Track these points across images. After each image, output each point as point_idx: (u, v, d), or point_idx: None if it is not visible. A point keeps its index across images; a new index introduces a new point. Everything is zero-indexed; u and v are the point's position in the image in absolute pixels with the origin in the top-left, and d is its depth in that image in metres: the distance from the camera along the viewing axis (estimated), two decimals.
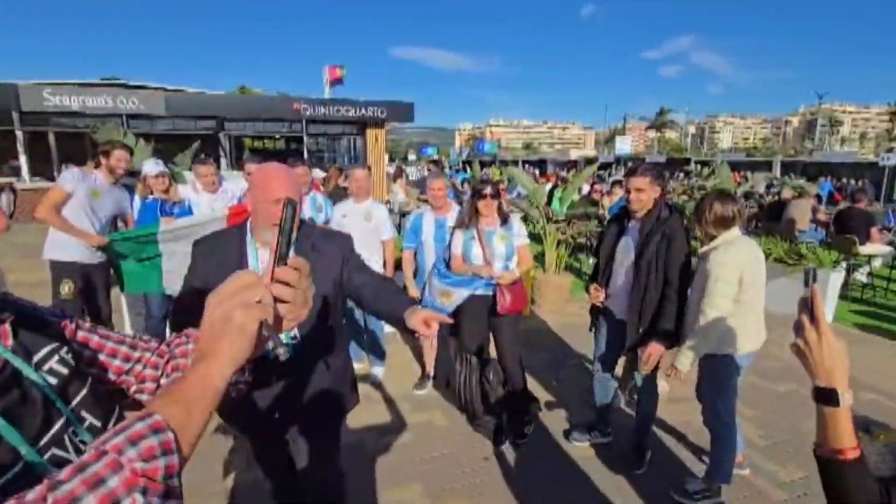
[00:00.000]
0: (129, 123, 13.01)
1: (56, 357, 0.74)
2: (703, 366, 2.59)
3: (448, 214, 3.48)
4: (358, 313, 3.87)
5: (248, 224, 1.69)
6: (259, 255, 1.64)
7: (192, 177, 4.14)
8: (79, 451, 0.69)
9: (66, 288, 3.33)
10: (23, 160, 12.58)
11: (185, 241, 3.74)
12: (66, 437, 0.68)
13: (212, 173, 3.95)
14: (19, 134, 12.37)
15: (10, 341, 0.69)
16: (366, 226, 3.60)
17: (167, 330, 4.08)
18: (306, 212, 3.85)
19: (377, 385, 3.89)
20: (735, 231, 2.51)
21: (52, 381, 0.71)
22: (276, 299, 0.68)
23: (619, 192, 7.76)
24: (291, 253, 0.73)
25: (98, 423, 0.74)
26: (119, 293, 4.21)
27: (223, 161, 13.72)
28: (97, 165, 3.47)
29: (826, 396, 0.92)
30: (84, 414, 0.73)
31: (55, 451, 0.66)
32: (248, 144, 20.41)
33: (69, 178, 3.31)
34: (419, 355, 4.12)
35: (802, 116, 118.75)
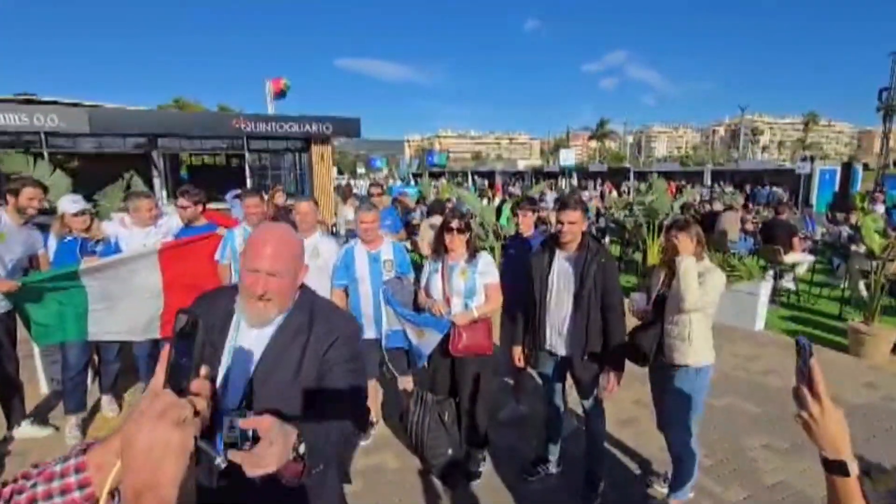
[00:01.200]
0: (48, 142, 12.04)
1: None
2: (681, 380, 2.64)
3: (381, 248, 3.34)
4: None
5: None
6: (241, 329, 1.37)
7: (119, 214, 3.81)
8: None
9: None
10: None
11: (113, 278, 3.42)
12: None
13: (150, 207, 3.66)
14: None
15: None
16: (313, 264, 3.41)
17: (87, 381, 3.74)
18: None
19: None
20: None
21: None
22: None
23: None
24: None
25: None
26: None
27: (157, 182, 12.94)
28: (4, 203, 3.13)
29: (837, 468, 0.94)
30: None
31: None
32: (187, 161, 19.46)
33: None
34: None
35: (727, 126, 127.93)
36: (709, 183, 26.76)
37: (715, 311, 2.67)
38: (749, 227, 8.44)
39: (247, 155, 14.15)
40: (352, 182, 30.98)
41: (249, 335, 1.37)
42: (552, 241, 2.86)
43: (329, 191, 14.38)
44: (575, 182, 28.42)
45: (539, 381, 3.14)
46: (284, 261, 1.33)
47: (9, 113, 11.16)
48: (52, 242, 3.45)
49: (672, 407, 2.71)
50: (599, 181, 28.02)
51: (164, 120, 13.90)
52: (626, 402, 4.00)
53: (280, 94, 18.31)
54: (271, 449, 0.98)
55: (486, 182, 32.19)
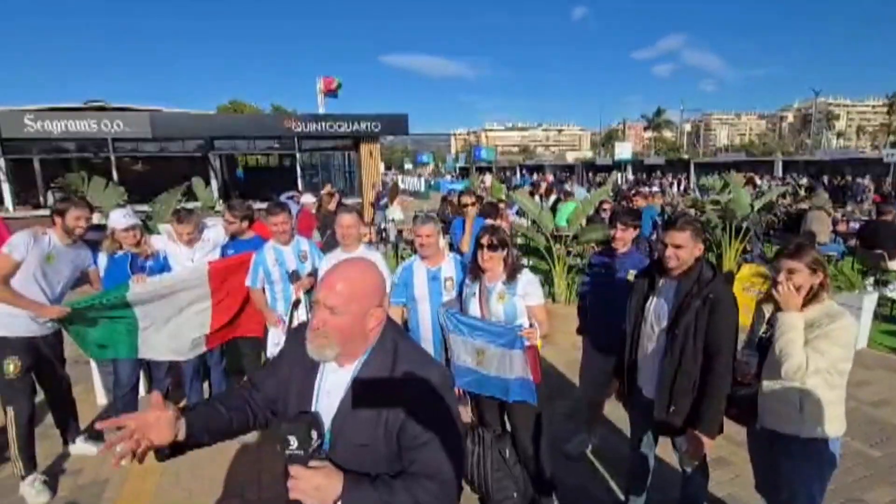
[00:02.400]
0: (115, 146, 12.64)
1: None
2: (792, 454, 2.13)
3: (443, 264, 3.03)
4: None
5: None
6: (326, 368, 1.30)
7: (167, 226, 3.72)
8: None
9: (11, 366, 2.89)
10: (6, 188, 12.17)
11: (163, 300, 3.34)
12: None
13: (189, 231, 3.52)
14: (1, 162, 11.97)
15: None
16: None
17: (139, 396, 3.66)
18: (289, 264, 3.43)
19: None
20: None
21: None
22: None
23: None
24: None
25: None
26: None
27: (213, 182, 13.31)
28: (52, 224, 3.05)
29: None
30: None
31: None
32: (242, 161, 20.07)
33: (19, 243, 2.86)
34: None
35: (797, 112, 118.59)
36: (780, 174, 24.76)
37: (848, 366, 2.04)
38: (841, 227, 7.51)
39: (297, 154, 14.33)
40: (398, 178, 31.01)
41: (333, 377, 1.30)
42: (656, 266, 2.41)
43: (378, 187, 14.32)
44: (630, 176, 27.04)
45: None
46: (345, 298, 1.22)
47: (80, 120, 11.78)
48: (103, 259, 3.36)
49: (787, 483, 2.18)
50: (658, 174, 26.53)
51: (219, 122, 14.34)
52: (717, 439, 3.49)
53: (331, 93, 18.47)
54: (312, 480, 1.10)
55: (537, 175, 31.29)
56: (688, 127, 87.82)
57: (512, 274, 2.66)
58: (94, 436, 3.57)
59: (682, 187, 21.33)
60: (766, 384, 2.15)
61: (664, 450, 2.77)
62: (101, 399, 4.19)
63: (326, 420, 1.24)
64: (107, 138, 12.17)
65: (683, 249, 2.20)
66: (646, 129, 71.41)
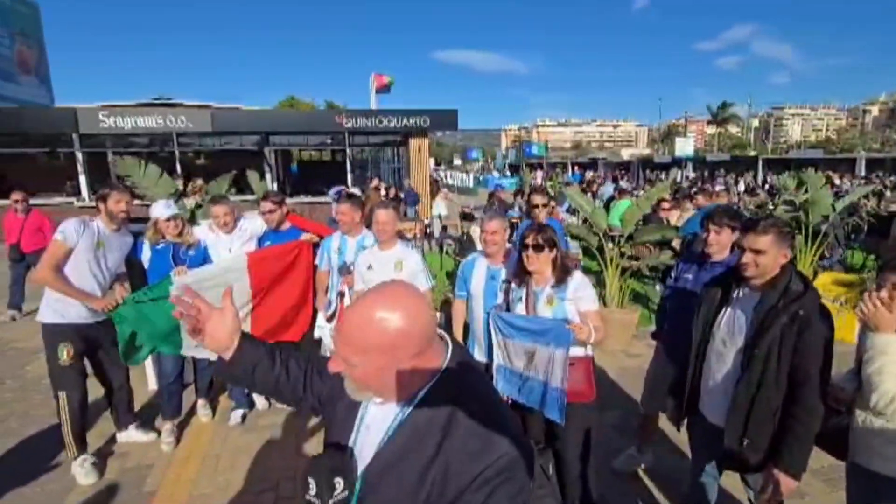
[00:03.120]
0: (179, 141, 13.32)
1: None
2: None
3: (506, 264, 2.87)
4: None
5: None
6: (369, 404, 1.07)
7: (208, 220, 3.76)
8: None
9: (65, 353, 2.98)
10: (82, 180, 13.13)
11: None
12: None
13: (224, 213, 3.54)
14: (79, 155, 12.90)
15: None
16: (397, 277, 3.06)
17: (182, 391, 3.70)
18: (347, 255, 3.39)
19: None
20: None
21: None
22: None
23: (689, 207, 6.86)
24: None
25: None
26: None
27: (268, 175, 13.76)
28: (96, 211, 3.12)
29: None
30: None
31: None
32: (297, 156, 20.70)
33: (70, 229, 2.93)
34: None
35: (883, 105, 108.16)
36: (862, 173, 22.63)
37: None
38: None
39: (348, 150, 14.55)
40: (443, 173, 30.91)
41: (375, 410, 1.07)
42: (733, 274, 2.08)
43: (426, 183, 14.31)
44: (691, 174, 25.56)
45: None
46: (355, 350, 0.95)
47: (148, 116, 12.47)
48: (147, 252, 3.42)
49: None
50: (722, 172, 24.88)
51: (275, 119, 14.78)
52: None
53: (384, 89, 18.67)
54: None
55: (591, 173, 30.29)
56: (755, 122, 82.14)
57: (562, 276, 2.45)
58: (144, 423, 3.66)
59: (747, 185, 19.87)
60: (859, 414, 1.83)
61: (730, 479, 2.47)
62: (152, 384, 4.32)
63: (361, 463, 1.03)
64: (171, 133, 12.83)
65: (765, 255, 1.89)
66: (709, 123, 67.49)
